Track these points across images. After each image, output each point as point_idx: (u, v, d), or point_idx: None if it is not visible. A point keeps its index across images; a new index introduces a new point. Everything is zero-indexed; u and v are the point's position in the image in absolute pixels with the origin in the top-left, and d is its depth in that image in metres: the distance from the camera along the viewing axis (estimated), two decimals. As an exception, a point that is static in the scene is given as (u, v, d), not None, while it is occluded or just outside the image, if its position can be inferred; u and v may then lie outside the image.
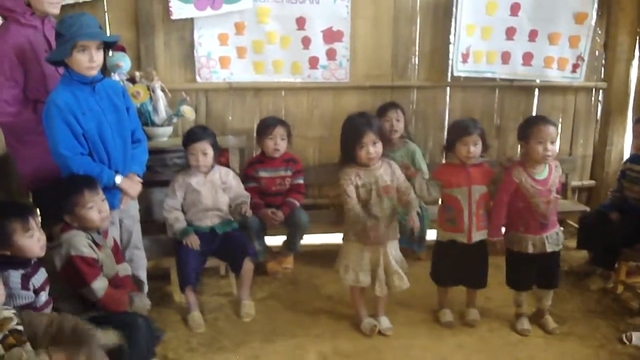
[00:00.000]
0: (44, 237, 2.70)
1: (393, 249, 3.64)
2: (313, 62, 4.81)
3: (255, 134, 4.57)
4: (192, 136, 3.93)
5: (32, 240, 2.63)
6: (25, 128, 3.24)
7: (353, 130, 3.53)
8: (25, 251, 2.62)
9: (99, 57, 3.08)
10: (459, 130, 3.63)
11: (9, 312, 2.08)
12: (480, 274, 3.77)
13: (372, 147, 3.47)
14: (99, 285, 2.92)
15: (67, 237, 2.91)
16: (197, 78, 4.69)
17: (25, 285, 2.59)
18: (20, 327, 2.07)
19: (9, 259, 2.60)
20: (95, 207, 2.97)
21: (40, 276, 2.70)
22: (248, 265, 3.94)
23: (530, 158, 3.55)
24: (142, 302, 3.14)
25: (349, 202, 3.49)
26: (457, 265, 3.73)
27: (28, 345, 2.06)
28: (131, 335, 2.90)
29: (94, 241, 2.99)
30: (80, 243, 2.91)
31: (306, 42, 4.75)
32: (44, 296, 2.69)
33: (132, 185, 3.35)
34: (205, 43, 4.62)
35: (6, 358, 2.00)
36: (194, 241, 3.86)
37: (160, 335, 3.59)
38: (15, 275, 2.57)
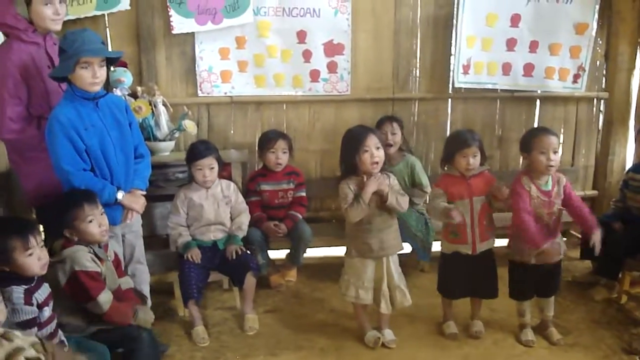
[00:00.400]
0: (45, 256, 2.68)
1: (395, 263, 3.63)
2: (314, 75, 4.82)
3: (257, 148, 4.59)
4: (197, 152, 3.94)
5: (32, 259, 2.61)
6: (28, 145, 3.25)
7: (355, 137, 3.53)
8: (24, 269, 2.60)
9: (101, 73, 3.09)
10: (458, 143, 3.62)
11: (23, 342, 2.05)
12: (489, 284, 3.75)
13: (376, 151, 3.46)
14: (104, 298, 2.91)
15: (69, 252, 2.91)
16: (199, 92, 4.70)
17: (28, 301, 2.58)
18: (38, 355, 2.05)
19: (11, 274, 2.59)
20: (96, 221, 2.97)
21: (44, 291, 2.70)
22: (250, 280, 3.93)
23: (534, 169, 3.54)
24: (146, 315, 3.14)
25: (346, 202, 3.48)
26: (465, 277, 3.71)
27: None
28: (135, 348, 2.91)
29: (96, 255, 2.99)
30: (84, 258, 2.90)
31: (307, 55, 4.77)
32: (47, 311, 2.68)
33: (134, 200, 3.34)
34: (207, 57, 4.64)
35: None
36: (195, 254, 3.86)
37: (164, 349, 3.59)
38: (18, 291, 2.57)
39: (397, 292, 3.60)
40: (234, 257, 3.92)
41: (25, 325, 2.51)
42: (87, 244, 2.97)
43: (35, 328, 2.59)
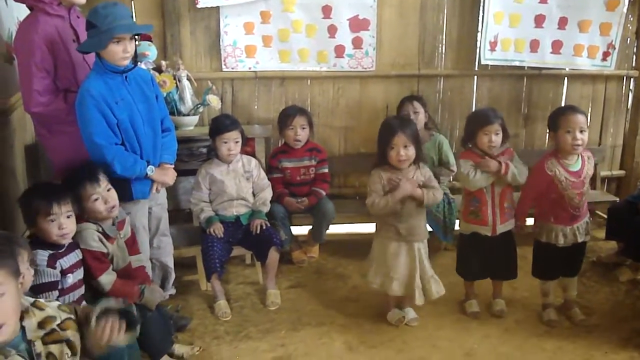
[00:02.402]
0: (69, 226, 2.72)
1: (425, 252, 3.61)
2: (339, 51, 4.78)
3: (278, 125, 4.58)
4: (223, 126, 3.93)
5: (52, 226, 2.66)
6: (55, 118, 3.26)
7: (386, 131, 3.52)
8: (44, 234, 2.68)
9: (132, 47, 3.10)
10: (480, 120, 3.58)
11: (53, 311, 2.09)
12: (508, 265, 3.74)
13: (403, 150, 3.44)
14: (106, 279, 2.93)
15: (77, 229, 2.88)
16: (223, 67, 4.68)
17: (51, 264, 2.65)
18: (69, 315, 2.10)
19: (39, 239, 2.67)
20: (101, 199, 2.94)
21: (71, 259, 2.76)
22: (274, 255, 3.95)
23: (560, 149, 3.50)
24: (153, 295, 3.10)
25: (372, 196, 3.49)
26: (483, 258, 3.70)
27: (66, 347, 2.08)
28: (141, 326, 2.92)
29: (104, 233, 2.98)
30: (90, 237, 2.91)
31: (332, 30, 4.72)
32: (70, 278, 2.73)
33: (164, 174, 3.36)
34: (231, 32, 4.61)
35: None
36: (217, 229, 3.88)
37: (186, 323, 3.63)
38: (42, 254, 2.63)
39: (431, 282, 3.59)
40: (258, 231, 3.94)
41: (46, 288, 2.57)
42: (95, 222, 2.97)
43: (57, 292, 2.65)
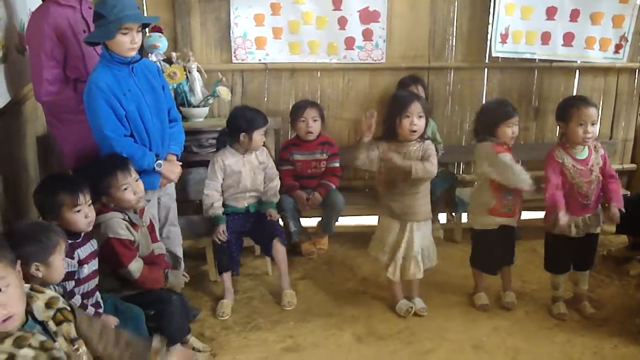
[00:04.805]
0: (92, 214, 2.76)
1: (421, 232, 3.59)
2: (349, 43, 4.78)
3: (289, 119, 4.58)
4: (260, 120, 3.90)
5: (79, 216, 2.70)
6: (65, 107, 3.28)
7: (399, 101, 3.51)
8: (71, 225, 2.69)
9: (139, 38, 3.10)
10: (502, 113, 3.54)
11: (55, 293, 2.11)
12: (513, 251, 3.76)
13: (417, 119, 3.43)
14: (135, 267, 2.97)
15: (104, 218, 2.94)
16: (233, 59, 4.69)
17: (70, 254, 2.65)
18: (68, 307, 2.11)
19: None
20: (130, 188, 2.98)
21: (87, 249, 2.77)
22: (279, 247, 3.91)
23: (569, 139, 3.48)
24: (177, 280, 3.15)
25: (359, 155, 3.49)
26: (500, 250, 3.70)
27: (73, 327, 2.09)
28: (165, 311, 2.98)
29: (130, 221, 3.02)
30: (118, 225, 2.94)
31: (342, 22, 4.72)
32: (86, 269, 2.74)
33: (171, 170, 3.36)
34: (241, 23, 4.62)
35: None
36: (220, 234, 3.82)
37: (196, 314, 3.64)
38: None
39: (411, 262, 3.58)
40: (269, 218, 3.95)
41: (63, 277, 2.57)
42: (122, 210, 3.00)
43: (73, 282, 2.67)
